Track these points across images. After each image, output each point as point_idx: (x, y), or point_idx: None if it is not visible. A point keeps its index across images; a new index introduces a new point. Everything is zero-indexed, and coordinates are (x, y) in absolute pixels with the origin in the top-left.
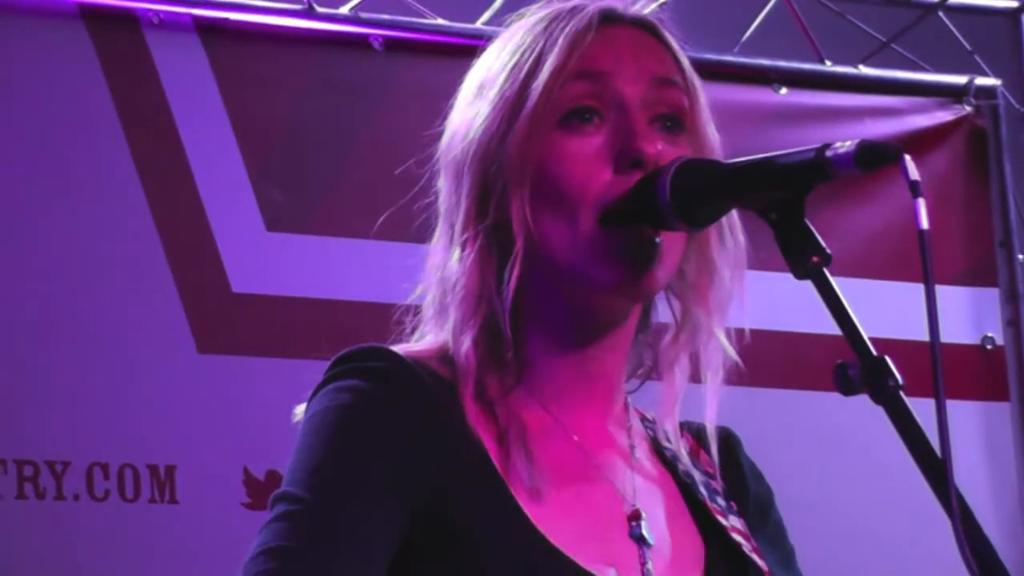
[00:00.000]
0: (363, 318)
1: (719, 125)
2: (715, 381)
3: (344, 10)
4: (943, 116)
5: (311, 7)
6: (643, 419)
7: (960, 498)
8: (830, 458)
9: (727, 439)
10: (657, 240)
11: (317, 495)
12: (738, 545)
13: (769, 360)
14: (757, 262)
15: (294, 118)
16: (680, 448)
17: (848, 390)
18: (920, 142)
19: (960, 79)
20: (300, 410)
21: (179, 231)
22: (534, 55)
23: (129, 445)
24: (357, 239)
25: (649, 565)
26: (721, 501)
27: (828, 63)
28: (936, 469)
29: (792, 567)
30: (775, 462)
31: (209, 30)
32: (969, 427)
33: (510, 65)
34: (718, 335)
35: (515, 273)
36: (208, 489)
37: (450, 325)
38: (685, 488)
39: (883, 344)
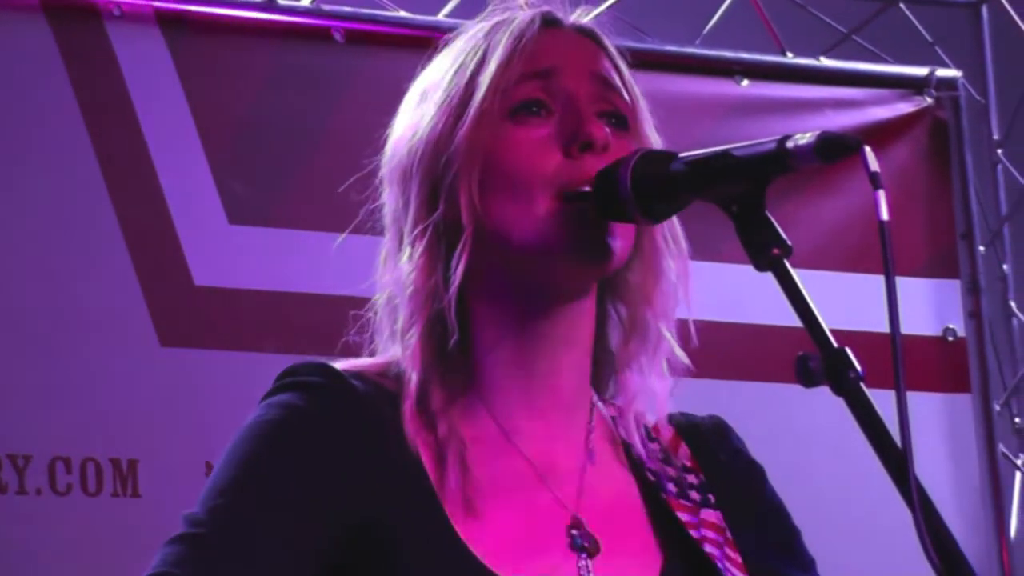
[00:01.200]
0: (326, 311)
1: (681, 117)
2: (664, 382)
3: (305, 2)
4: (904, 108)
5: None
6: (615, 419)
7: (921, 489)
8: (791, 451)
9: (714, 429)
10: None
11: (219, 517)
12: (699, 544)
13: (730, 352)
14: (718, 254)
15: (256, 110)
16: (640, 447)
17: (809, 382)
18: (882, 134)
19: (921, 71)
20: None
21: (141, 224)
22: (478, 56)
23: (91, 439)
24: (320, 232)
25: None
26: (695, 495)
27: (790, 55)
28: (897, 461)
29: (792, 550)
30: None
31: (170, 22)
32: (931, 419)
33: (454, 69)
34: (666, 337)
35: (464, 258)
36: (170, 483)
37: (399, 326)
38: (650, 491)
39: (844, 336)
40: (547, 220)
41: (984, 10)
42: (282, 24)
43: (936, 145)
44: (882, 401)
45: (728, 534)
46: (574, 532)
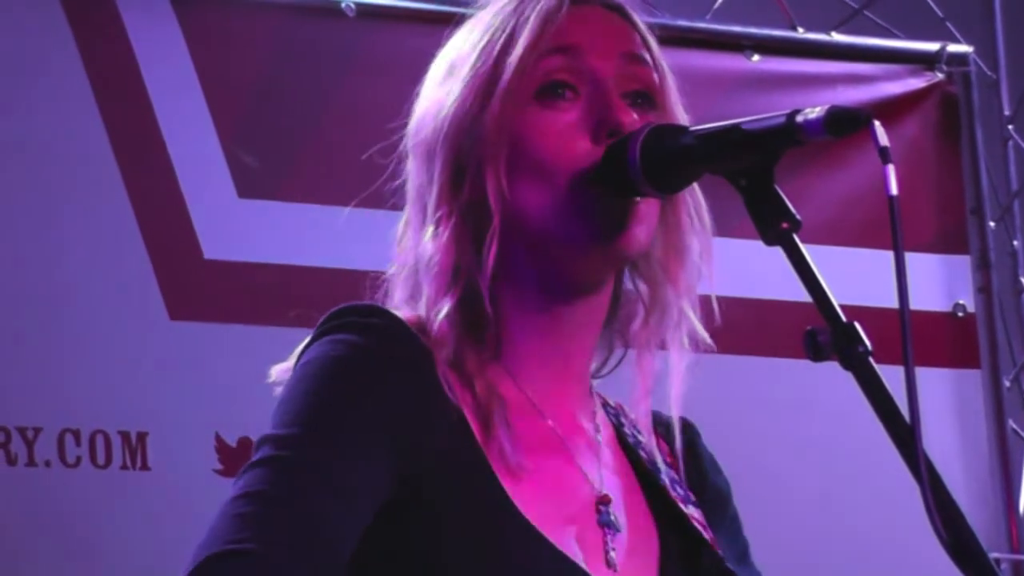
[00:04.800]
0: (334, 285)
1: (691, 92)
2: (681, 362)
3: None
4: (915, 83)
5: None
6: (605, 405)
7: (929, 464)
8: (800, 425)
9: (687, 430)
10: (636, 199)
11: (304, 441)
12: (697, 532)
13: (739, 327)
14: (727, 229)
15: (266, 84)
16: (651, 434)
17: (818, 356)
18: (892, 109)
19: (932, 46)
20: (276, 369)
21: (151, 197)
22: (506, 33)
23: (101, 411)
24: (329, 205)
25: (612, 553)
26: (680, 490)
27: (801, 30)
28: (905, 435)
29: (748, 561)
30: (746, 429)
31: None
32: (940, 394)
33: (481, 44)
34: (688, 315)
35: (493, 248)
36: (180, 455)
37: (424, 301)
38: (645, 476)
39: (854, 311)
40: (571, 209)
41: None
42: None
43: (947, 120)
44: (891, 376)
45: (710, 532)
46: (602, 508)
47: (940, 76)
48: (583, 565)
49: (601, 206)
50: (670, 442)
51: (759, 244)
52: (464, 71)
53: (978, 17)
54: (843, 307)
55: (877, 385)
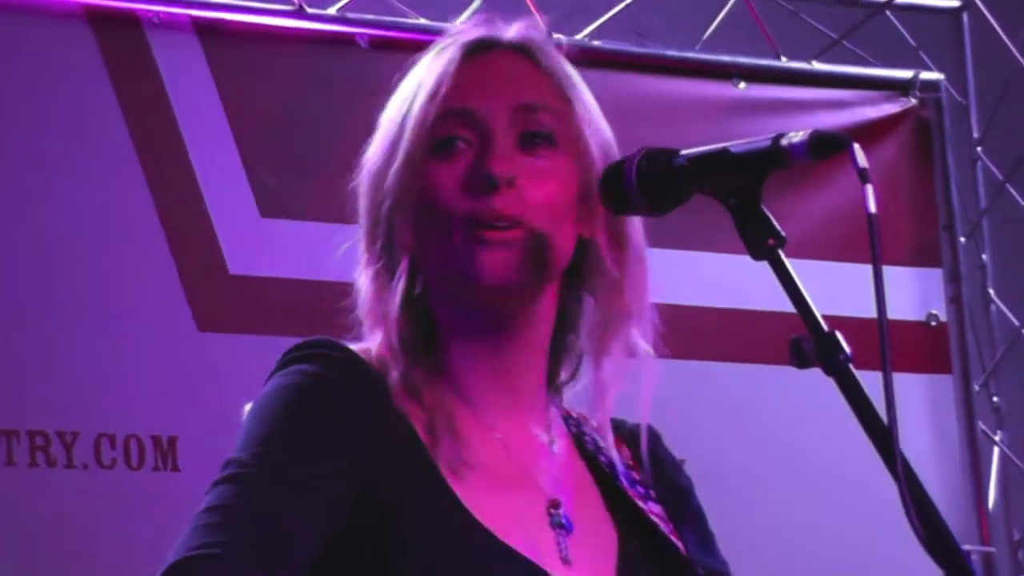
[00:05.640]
0: (348, 297)
1: (682, 118)
2: (649, 369)
3: (332, 11)
4: (890, 108)
5: (301, 8)
6: (567, 417)
7: (906, 464)
8: (785, 428)
9: (649, 435)
10: (504, 240)
11: (265, 460)
12: (655, 526)
13: (728, 336)
14: (717, 245)
15: (286, 112)
16: (609, 440)
17: (802, 364)
18: (869, 132)
19: (906, 73)
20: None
21: (179, 217)
22: (411, 91)
23: (134, 417)
24: (345, 224)
25: (566, 552)
26: (640, 488)
27: (784, 59)
28: (883, 437)
29: (713, 550)
30: (732, 433)
31: (206, 29)
32: (915, 398)
33: (397, 101)
34: (634, 332)
35: (399, 290)
36: (207, 458)
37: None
38: (604, 479)
39: (835, 321)
40: (462, 256)
41: (965, 16)
42: (310, 31)
43: (920, 143)
44: (869, 381)
45: (671, 525)
46: (553, 511)
47: (914, 102)
48: (538, 563)
49: (475, 251)
50: (632, 447)
51: (746, 259)
52: (383, 127)
53: (949, 47)
54: (825, 317)
55: (857, 390)
